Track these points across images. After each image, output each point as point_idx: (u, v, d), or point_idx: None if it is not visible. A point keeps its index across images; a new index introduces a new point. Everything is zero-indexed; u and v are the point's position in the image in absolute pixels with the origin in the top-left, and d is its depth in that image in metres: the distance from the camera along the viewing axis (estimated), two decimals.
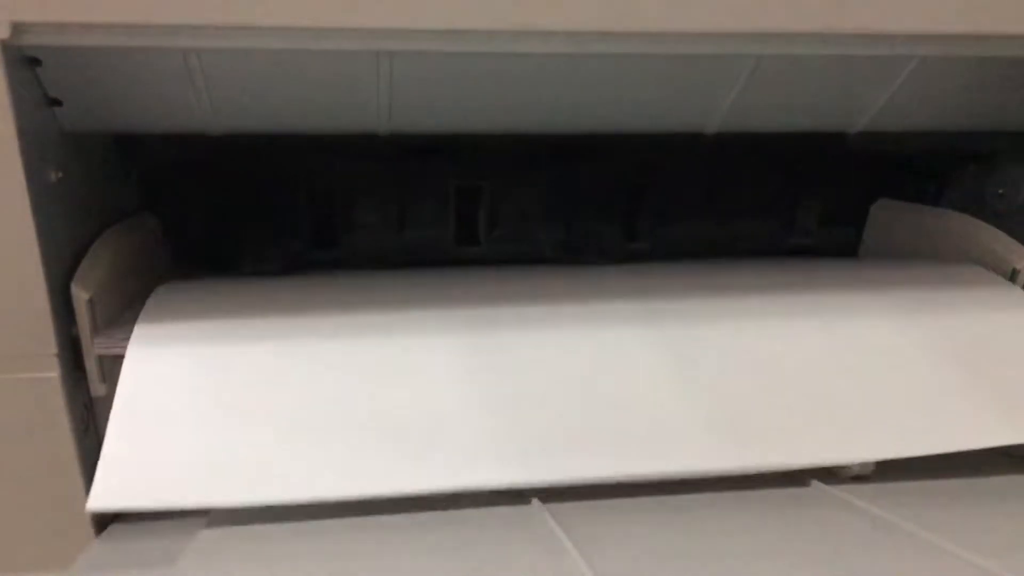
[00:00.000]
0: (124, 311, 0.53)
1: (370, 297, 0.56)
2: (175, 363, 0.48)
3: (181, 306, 0.53)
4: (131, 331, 0.49)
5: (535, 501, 0.47)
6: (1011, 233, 0.63)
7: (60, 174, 0.49)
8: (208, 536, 0.43)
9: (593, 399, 0.48)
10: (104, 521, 0.52)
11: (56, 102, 0.49)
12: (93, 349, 0.48)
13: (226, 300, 0.55)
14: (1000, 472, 0.52)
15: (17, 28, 0.42)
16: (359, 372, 0.49)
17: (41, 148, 0.46)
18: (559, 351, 0.51)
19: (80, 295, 0.47)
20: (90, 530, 0.51)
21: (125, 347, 0.48)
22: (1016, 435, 0.47)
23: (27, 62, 0.45)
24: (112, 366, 0.50)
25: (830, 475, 0.50)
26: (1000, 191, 0.68)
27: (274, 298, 0.56)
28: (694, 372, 0.50)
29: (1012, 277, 0.57)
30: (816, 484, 0.49)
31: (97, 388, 0.50)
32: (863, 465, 0.49)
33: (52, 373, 0.47)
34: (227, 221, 0.72)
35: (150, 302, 0.53)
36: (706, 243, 0.79)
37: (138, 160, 0.64)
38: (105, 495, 0.42)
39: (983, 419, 0.48)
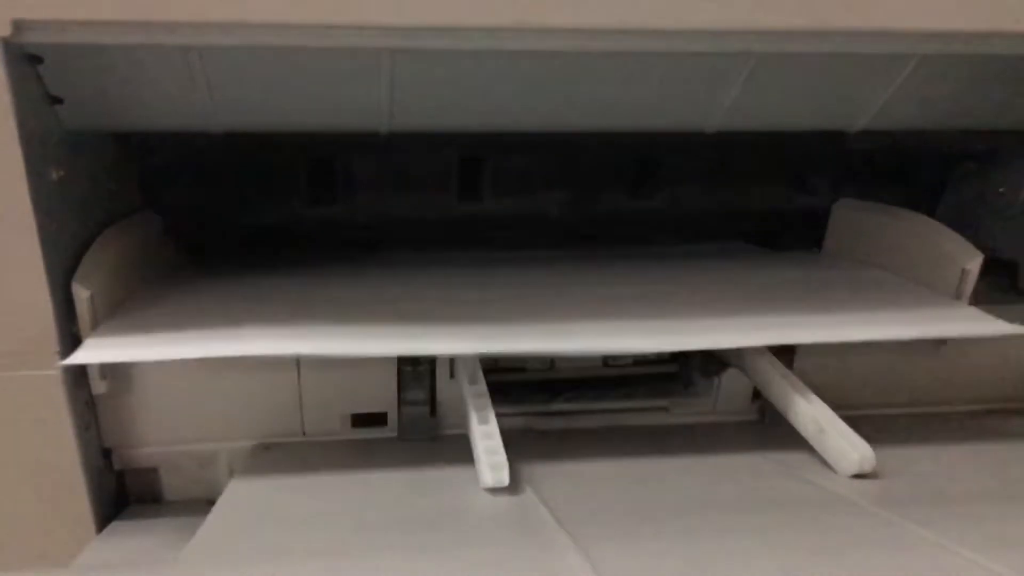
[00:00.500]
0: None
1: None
2: None
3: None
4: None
5: (529, 490, 0.47)
6: (1014, 231, 0.64)
7: (61, 172, 0.49)
8: (207, 533, 0.43)
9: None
10: (105, 519, 0.52)
11: (57, 100, 0.49)
12: None
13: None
14: (999, 471, 0.52)
15: (18, 26, 0.42)
16: None
17: (42, 146, 0.46)
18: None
19: (81, 293, 0.47)
20: (91, 527, 0.51)
21: None
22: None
23: (28, 60, 0.45)
24: (113, 364, 0.50)
25: (830, 473, 0.50)
26: (1000, 190, 0.68)
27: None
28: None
29: (962, 277, 0.58)
30: (817, 482, 0.49)
31: (98, 386, 0.50)
32: (863, 463, 0.49)
33: (54, 371, 0.47)
34: (225, 179, 0.73)
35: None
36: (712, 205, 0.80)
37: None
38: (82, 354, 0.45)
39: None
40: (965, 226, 0.62)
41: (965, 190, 0.72)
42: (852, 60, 0.53)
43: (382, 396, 0.56)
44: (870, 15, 0.47)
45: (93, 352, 0.46)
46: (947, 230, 0.61)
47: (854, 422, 0.51)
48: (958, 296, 0.58)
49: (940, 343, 0.59)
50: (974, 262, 0.57)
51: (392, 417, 0.57)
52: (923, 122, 0.62)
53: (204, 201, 0.72)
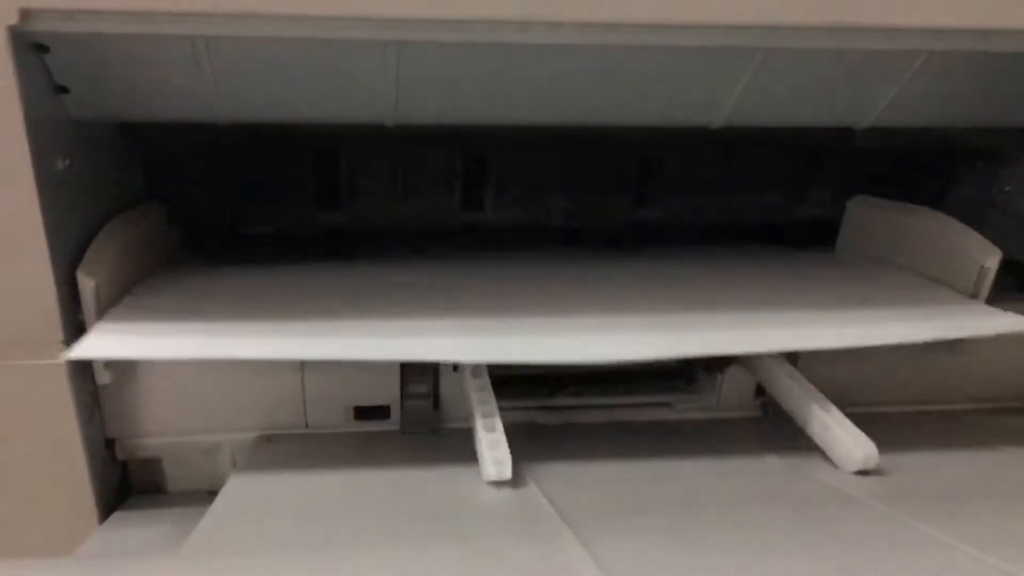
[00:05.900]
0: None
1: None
2: None
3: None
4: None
5: (531, 484, 0.47)
6: (1020, 230, 0.63)
7: (67, 161, 0.49)
8: (209, 524, 0.43)
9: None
10: (108, 509, 0.52)
11: (63, 89, 0.49)
12: None
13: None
14: (1003, 468, 0.52)
15: (25, 15, 0.42)
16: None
17: (48, 135, 0.46)
18: None
19: (86, 282, 0.47)
20: (94, 517, 0.51)
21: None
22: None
23: (35, 49, 0.45)
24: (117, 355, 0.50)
25: (834, 469, 0.50)
26: (1007, 188, 0.68)
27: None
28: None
29: (980, 275, 0.57)
30: (820, 479, 0.49)
31: (102, 376, 0.50)
32: (867, 460, 0.49)
33: (58, 360, 0.47)
34: (232, 184, 0.72)
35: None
36: (715, 214, 0.79)
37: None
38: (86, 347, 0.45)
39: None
40: (971, 224, 0.62)
41: (971, 188, 0.72)
42: (860, 56, 0.52)
43: (385, 389, 0.56)
44: (878, 11, 0.47)
45: (96, 346, 0.46)
46: (963, 226, 0.60)
47: (858, 419, 0.51)
48: (975, 294, 0.57)
49: (954, 342, 0.59)
50: (992, 259, 0.57)
51: (395, 410, 0.57)
52: (930, 119, 0.62)
53: (209, 192, 0.72)
